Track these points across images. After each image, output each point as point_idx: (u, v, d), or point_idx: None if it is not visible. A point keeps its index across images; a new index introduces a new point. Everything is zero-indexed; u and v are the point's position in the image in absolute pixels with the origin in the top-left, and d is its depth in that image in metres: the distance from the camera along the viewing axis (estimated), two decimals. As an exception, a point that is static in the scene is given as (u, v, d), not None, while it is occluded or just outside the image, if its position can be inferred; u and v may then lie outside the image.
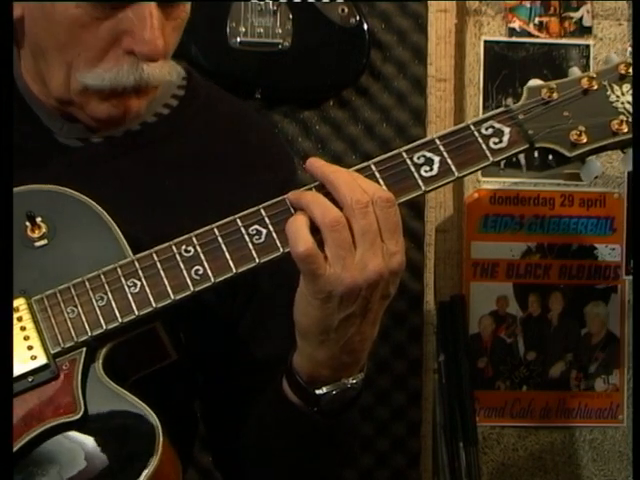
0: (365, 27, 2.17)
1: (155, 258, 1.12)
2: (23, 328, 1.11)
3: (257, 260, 1.11)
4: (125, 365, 1.16)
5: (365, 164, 1.13)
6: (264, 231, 1.11)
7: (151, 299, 1.11)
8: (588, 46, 2.41)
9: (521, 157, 2.38)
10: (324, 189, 1.10)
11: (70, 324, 1.11)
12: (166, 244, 1.12)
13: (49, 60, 1.21)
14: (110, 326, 1.10)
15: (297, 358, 1.16)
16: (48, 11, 1.17)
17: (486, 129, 1.15)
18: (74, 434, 1.07)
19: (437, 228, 2.34)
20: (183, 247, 1.12)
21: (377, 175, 1.12)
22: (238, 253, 1.11)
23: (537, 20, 2.40)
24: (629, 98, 1.17)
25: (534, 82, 1.20)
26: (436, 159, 1.13)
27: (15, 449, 1.06)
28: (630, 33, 2.41)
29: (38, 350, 1.10)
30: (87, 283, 1.12)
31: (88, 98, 1.21)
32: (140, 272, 1.12)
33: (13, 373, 1.09)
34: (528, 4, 2.40)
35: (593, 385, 2.44)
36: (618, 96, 1.18)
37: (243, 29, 2.13)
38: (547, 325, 2.42)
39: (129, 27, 1.17)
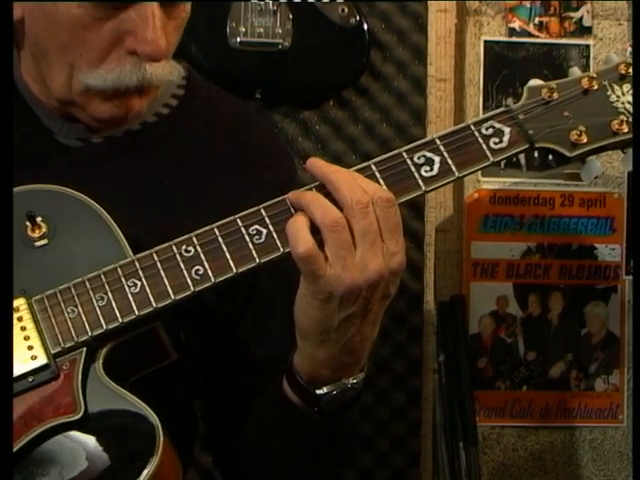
0: (365, 27, 2.17)
1: (155, 258, 1.12)
2: (23, 328, 1.11)
3: (257, 260, 1.11)
4: (125, 365, 1.16)
5: (365, 164, 1.13)
6: (264, 231, 1.11)
7: (151, 299, 1.11)
8: (588, 46, 2.41)
9: (521, 157, 2.38)
10: (324, 189, 1.10)
11: (70, 324, 1.11)
12: (166, 244, 1.12)
13: (50, 61, 1.21)
14: (110, 326, 1.10)
15: (297, 358, 1.16)
16: (49, 11, 1.17)
17: (486, 129, 1.15)
18: (75, 434, 1.07)
19: (437, 228, 2.34)
20: (183, 247, 1.12)
21: (377, 175, 1.12)
22: (238, 253, 1.11)
23: (537, 20, 2.40)
24: (629, 98, 1.17)
25: (534, 82, 1.20)
26: (436, 159, 1.13)
27: (15, 449, 1.06)
28: (630, 33, 2.41)
29: (38, 350, 1.10)
30: (87, 283, 1.12)
31: (90, 98, 1.21)
32: (140, 272, 1.12)
33: (13, 373, 1.09)
34: (528, 4, 2.40)
35: (593, 385, 2.44)
36: (618, 96, 1.18)
37: (243, 29, 2.13)
38: (547, 325, 2.43)
39: (131, 27, 1.17)
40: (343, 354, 1.12)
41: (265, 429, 1.25)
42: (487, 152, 1.15)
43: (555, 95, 1.17)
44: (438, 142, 1.14)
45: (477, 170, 1.16)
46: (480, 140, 1.15)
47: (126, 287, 1.11)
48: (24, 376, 1.09)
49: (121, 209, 1.19)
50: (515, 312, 2.42)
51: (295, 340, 1.15)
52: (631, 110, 1.17)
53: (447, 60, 2.34)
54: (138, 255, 1.13)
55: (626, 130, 1.16)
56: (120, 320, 1.10)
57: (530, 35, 2.40)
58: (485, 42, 2.39)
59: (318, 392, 1.15)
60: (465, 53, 2.38)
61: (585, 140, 1.16)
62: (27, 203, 1.16)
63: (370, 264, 1.06)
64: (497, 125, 1.16)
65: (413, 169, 1.13)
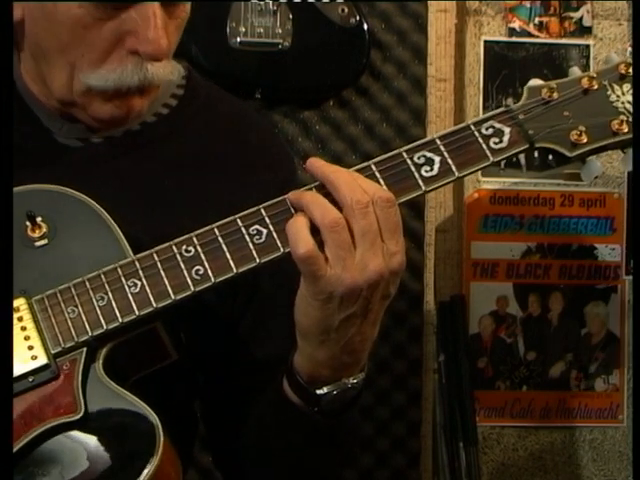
0: (365, 27, 2.17)
1: (155, 258, 1.12)
2: (23, 328, 1.11)
3: (257, 260, 1.11)
4: (125, 365, 1.16)
5: (365, 164, 1.13)
6: (264, 231, 1.11)
7: (151, 299, 1.11)
8: (588, 46, 2.41)
9: (521, 157, 2.38)
10: (324, 189, 1.10)
11: (70, 324, 1.11)
12: (166, 244, 1.12)
13: (51, 61, 1.21)
14: (110, 326, 1.10)
15: (297, 358, 1.16)
16: (50, 12, 1.17)
17: (486, 129, 1.15)
18: (76, 434, 1.07)
19: (437, 228, 2.34)
20: (183, 247, 1.12)
21: (377, 175, 1.12)
22: (239, 253, 1.11)
23: (537, 20, 2.40)
24: (629, 98, 1.17)
25: (534, 82, 1.20)
26: (436, 159, 1.13)
27: (15, 449, 1.06)
28: (630, 33, 2.41)
29: (38, 350, 1.10)
30: (87, 283, 1.12)
31: (91, 99, 1.21)
32: (140, 272, 1.12)
33: (13, 373, 1.09)
34: (528, 4, 2.40)
35: (593, 385, 2.44)
36: (618, 96, 1.18)
37: (243, 29, 2.13)
38: (547, 325, 2.43)
39: (133, 27, 1.17)
40: (343, 354, 1.12)
41: (265, 429, 1.25)
42: (487, 152, 1.15)
43: (555, 95, 1.17)
44: (438, 142, 1.14)
45: (477, 170, 1.16)
46: (480, 140, 1.15)
47: (126, 287, 1.11)
48: (24, 376, 1.09)
49: (121, 209, 1.19)
50: (515, 312, 2.42)
51: (295, 340, 1.15)
52: (631, 110, 1.17)
53: (447, 60, 2.34)
54: (138, 255, 1.13)
55: (626, 130, 1.16)
56: (120, 320, 1.10)
57: (530, 35, 2.40)
58: (485, 42, 2.39)
59: (318, 392, 1.15)
60: (465, 53, 2.38)
61: (585, 140, 1.16)
62: (27, 203, 1.16)
63: (370, 264, 1.06)
64: (497, 125, 1.16)
65: (413, 169, 1.13)
